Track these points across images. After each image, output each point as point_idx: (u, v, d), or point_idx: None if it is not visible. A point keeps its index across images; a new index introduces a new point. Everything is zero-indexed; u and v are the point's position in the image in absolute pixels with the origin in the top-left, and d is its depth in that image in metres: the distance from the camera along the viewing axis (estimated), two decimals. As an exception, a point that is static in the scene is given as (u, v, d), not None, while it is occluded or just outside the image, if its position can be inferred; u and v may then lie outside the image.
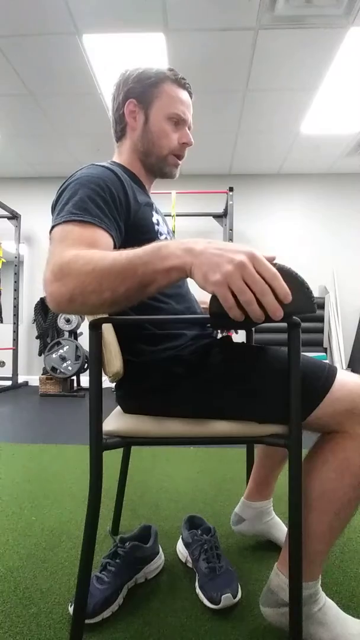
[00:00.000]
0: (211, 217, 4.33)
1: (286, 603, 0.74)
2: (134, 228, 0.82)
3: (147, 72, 0.92)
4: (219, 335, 1.06)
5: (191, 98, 0.96)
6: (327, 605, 0.79)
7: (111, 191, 0.77)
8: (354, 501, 0.74)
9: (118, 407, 0.93)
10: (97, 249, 0.67)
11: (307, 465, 0.77)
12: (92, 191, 0.75)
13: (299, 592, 0.70)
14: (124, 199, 0.80)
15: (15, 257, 4.39)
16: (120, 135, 0.97)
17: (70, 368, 3.88)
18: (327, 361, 0.81)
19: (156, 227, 0.90)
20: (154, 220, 0.91)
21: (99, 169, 0.81)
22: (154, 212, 0.92)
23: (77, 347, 3.90)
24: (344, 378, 0.76)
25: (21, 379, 4.56)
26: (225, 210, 4.07)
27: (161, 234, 0.92)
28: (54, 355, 3.91)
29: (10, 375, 4.36)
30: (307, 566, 0.74)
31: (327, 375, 0.75)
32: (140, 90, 0.91)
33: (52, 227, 0.73)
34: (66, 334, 4.11)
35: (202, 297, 1.13)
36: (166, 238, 0.95)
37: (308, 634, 0.76)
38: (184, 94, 0.94)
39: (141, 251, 0.60)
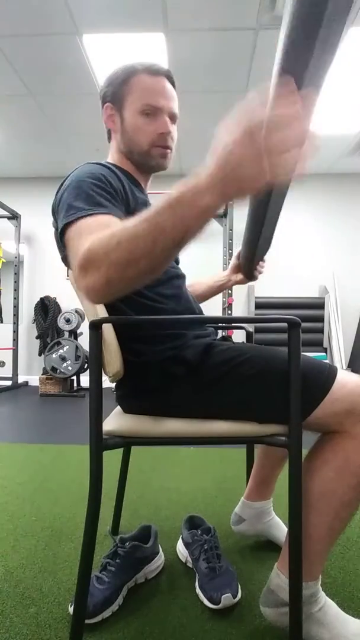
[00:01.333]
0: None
1: (286, 603, 0.74)
2: None
3: (117, 71, 0.91)
4: (219, 335, 1.06)
5: (174, 86, 0.92)
6: (327, 605, 0.79)
7: (111, 183, 0.78)
8: (354, 501, 0.74)
9: (118, 407, 0.93)
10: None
11: (307, 465, 0.77)
12: (94, 185, 0.76)
13: (299, 592, 0.70)
14: (122, 191, 0.81)
15: (15, 257, 4.39)
16: (108, 138, 0.98)
17: (70, 368, 3.88)
18: (327, 361, 0.82)
19: None
20: None
21: (94, 166, 0.82)
22: None
23: (77, 347, 3.90)
24: (344, 378, 0.76)
25: (21, 379, 4.56)
26: (225, 210, 4.07)
27: None
28: (54, 355, 3.91)
29: (10, 375, 4.36)
30: (307, 566, 0.74)
31: (327, 375, 0.75)
32: (112, 92, 0.91)
33: (64, 227, 0.72)
34: (66, 334, 4.11)
35: (214, 276, 1.17)
36: None
37: (308, 634, 0.76)
38: (158, 82, 0.89)
39: (160, 206, 0.54)
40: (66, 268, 0.90)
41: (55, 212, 0.81)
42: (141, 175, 0.97)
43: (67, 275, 4.74)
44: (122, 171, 0.91)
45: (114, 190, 0.78)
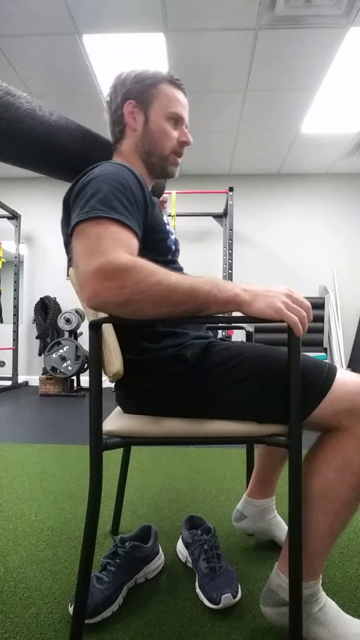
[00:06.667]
0: (211, 217, 4.33)
1: (286, 602, 0.74)
2: (150, 227, 0.82)
3: (145, 74, 0.92)
4: (220, 335, 1.06)
5: (186, 99, 0.97)
6: (328, 605, 0.78)
7: (132, 191, 0.78)
8: (354, 501, 0.74)
9: (118, 407, 0.93)
10: (134, 253, 0.71)
11: (307, 464, 0.77)
12: (116, 190, 0.75)
13: (299, 592, 0.71)
14: (142, 199, 0.80)
15: (15, 257, 4.39)
16: (119, 136, 0.97)
17: (70, 368, 3.88)
18: (327, 361, 0.82)
19: (167, 226, 0.92)
20: (165, 219, 0.92)
21: (117, 166, 0.81)
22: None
23: (77, 347, 3.90)
24: (344, 377, 0.76)
25: (21, 379, 4.56)
26: (225, 210, 4.07)
27: (171, 234, 0.93)
28: (54, 355, 3.91)
29: (10, 375, 4.35)
30: (308, 566, 0.74)
31: (327, 374, 0.75)
32: (138, 91, 0.92)
33: (79, 222, 0.72)
34: (66, 334, 4.11)
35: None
36: (175, 239, 0.96)
37: (308, 634, 0.76)
38: (180, 95, 0.95)
39: (201, 281, 0.69)
40: (66, 267, 0.90)
41: (68, 205, 0.80)
42: (148, 179, 0.98)
43: (67, 275, 4.73)
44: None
45: (134, 199, 0.77)
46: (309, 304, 0.71)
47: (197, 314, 0.69)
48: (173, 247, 0.92)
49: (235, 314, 0.74)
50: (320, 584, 0.78)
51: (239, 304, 0.69)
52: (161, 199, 1.17)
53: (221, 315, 0.75)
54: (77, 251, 0.71)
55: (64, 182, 0.84)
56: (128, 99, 0.93)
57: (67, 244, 0.84)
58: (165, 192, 1.18)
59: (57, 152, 0.94)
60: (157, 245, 0.87)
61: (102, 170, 0.79)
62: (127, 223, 0.72)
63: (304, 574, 0.72)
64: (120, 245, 0.69)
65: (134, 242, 0.73)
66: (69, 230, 0.77)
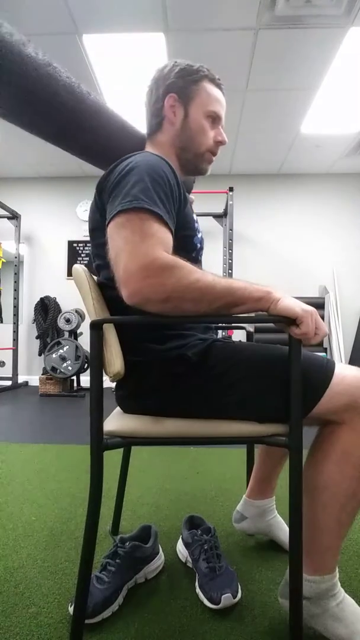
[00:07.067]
0: (211, 217, 4.33)
1: (305, 596, 0.75)
2: (181, 223, 0.82)
3: (189, 69, 0.93)
4: (220, 335, 1.06)
5: (224, 98, 0.98)
6: (346, 602, 0.78)
7: (170, 185, 0.78)
8: (358, 493, 0.74)
9: (118, 407, 0.92)
10: (170, 251, 0.72)
11: (309, 460, 0.78)
12: (156, 183, 0.75)
13: (299, 588, 0.71)
14: (177, 194, 0.80)
15: (15, 257, 4.39)
16: (155, 129, 0.97)
17: (70, 368, 3.88)
18: (323, 353, 0.83)
19: (195, 224, 0.91)
20: (194, 217, 0.92)
21: (156, 158, 0.81)
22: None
23: (77, 347, 3.90)
24: (343, 371, 0.76)
25: (21, 379, 4.56)
26: (225, 210, 4.07)
27: (198, 232, 0.93)
28: (54, 355, 3.91)
29: (10, 375, 4.36)
30: (320, 559, 0.75)
31: (325, 370, 0.76)
32: (181, 86, 0.92)
33: (121, 211, 0.71)
34: (66, 334, 4.11)
35: None
36: (202, 237, 0.95)
37: (325, 629, 0.76)
38: (220, 94, 0.96)
39: (235, 279, 0.73)
40: (66, 268, 0.90)
41: (103, 190, 0.80)
42: (179, 173, 0.97)
43: (68, 275, 4.75)
44: None
45: (171, 193, 0.77)
46: (326, 331, 0.74)
47: (230, 310, 0.72)
48: (199, 245, 0.92)
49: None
50: (337, 578, 0.78)
51: (269, 300, 0.71)
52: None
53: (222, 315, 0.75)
54: (119, 243, 0.70)
55: (65, 181, 0.84)
56: (170, 93, 0.92)
57: (94, 230, 0.85)
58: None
59: (88, 130, 0.94)
60: (184, 242, 0.86)
61: (143, 161, 0.78)
62: (166, 220, 0.73)
63: (318, 568, 0.73)
64: (162, 243, 0.70)
65: (171, 240, 0.74)
66: (104, 217, 0.76)
